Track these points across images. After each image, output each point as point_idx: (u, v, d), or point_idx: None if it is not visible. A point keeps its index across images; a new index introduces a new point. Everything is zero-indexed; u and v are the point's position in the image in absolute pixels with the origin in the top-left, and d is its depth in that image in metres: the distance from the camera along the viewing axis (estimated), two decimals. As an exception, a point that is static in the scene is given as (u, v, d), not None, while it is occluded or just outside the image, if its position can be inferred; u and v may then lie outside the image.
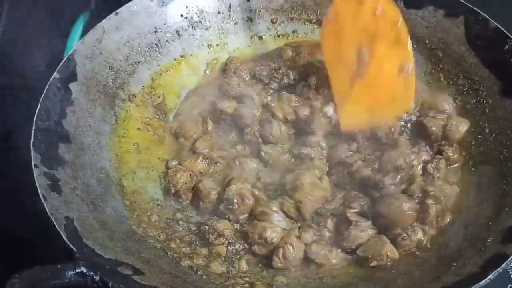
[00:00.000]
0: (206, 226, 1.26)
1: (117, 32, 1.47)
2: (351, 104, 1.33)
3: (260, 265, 1.24)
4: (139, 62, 1.51)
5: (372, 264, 1.19)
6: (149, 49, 1.53)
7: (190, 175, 1.34)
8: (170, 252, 1.23)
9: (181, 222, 1.30)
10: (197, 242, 1.27)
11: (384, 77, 1.31)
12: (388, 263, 1.19)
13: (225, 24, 1.62)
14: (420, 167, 1.28)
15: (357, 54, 1.30)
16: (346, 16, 1.31)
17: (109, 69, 1.45)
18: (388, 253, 1.19)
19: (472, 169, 1.32)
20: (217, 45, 1.62)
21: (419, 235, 1.22)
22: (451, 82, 1.45)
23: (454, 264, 1.12)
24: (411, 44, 1.31)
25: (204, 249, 1.25)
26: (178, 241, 1.26)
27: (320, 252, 1.21)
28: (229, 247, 1.25)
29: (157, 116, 1.51)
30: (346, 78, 1.32)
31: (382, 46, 1.27)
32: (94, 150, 1.34)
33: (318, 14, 1.62)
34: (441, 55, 1.47)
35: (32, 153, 1.18)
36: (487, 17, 1.38)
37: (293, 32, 1.64)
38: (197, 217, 1.32)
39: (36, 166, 1.17)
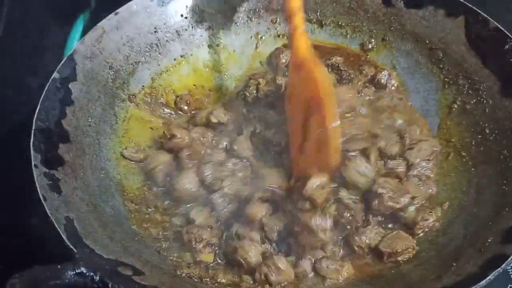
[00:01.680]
0: (192, 235, 1.24)
1: (117, 32, 1.47)
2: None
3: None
4: (139, 62, 1.51)
5: (400, 259, 1.20)
6: (149, 49, 1.53)
7: None
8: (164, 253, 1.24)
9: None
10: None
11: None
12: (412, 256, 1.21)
13: (225, 24, 1.62)
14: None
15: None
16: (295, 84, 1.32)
17: (109, 69, 1.45)
18: (414, 246, 1.21)
19: (472, 169, 1.32)
20: (217, 45, 1.62)
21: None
22: (451, 82, 1.45)
23: (454, 264, 1.12)
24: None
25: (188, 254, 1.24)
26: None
27: (330, 267, 1.20)
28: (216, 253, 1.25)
29: (157, 116, 1.51)
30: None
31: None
32: (94, 150, 1.34)
33: (318, 14, 1.61)
34: (441, 55, 1.47)
35: (32, 153, 1.18)
36: (487, 17, 1.38)
37: (293, 32, 1.64)
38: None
39: (36, 166, 1.17)
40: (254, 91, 1.51)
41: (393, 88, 1.48)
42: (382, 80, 1.47)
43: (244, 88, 1.52)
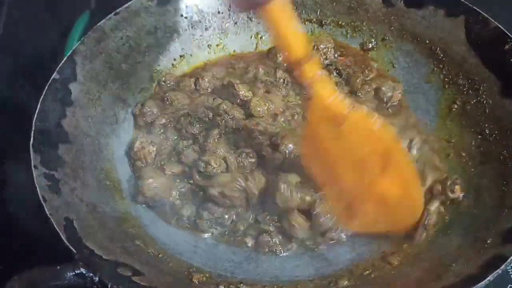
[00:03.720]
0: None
1: (117, 32, 1.47)
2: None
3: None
4: (139, 62, 1.51)
5: None
6: (149, 49, 1.53)
7: None
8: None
9: None
10: None
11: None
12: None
13: (225, 24, 1.61)
14: None
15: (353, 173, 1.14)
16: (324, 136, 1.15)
17: (109, 69, 1.45)
18: None
19: (472, 169, 1.32)
20: (217, 45, 1.62)
21: None
22: (451, 82, 1.44)
23: (454, 264, 1.12)
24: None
25: None
26: None
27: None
28: None
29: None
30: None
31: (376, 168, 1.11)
32: (94, 150, 1.34)
33: (318, 13, 1.61)
34: (441, 55, 1.46)
35: (32, 154, 1.18)
36: (487, 16, 1.38)
37: (293, 31, 1.64)
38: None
39: (35, 167, 1.17)
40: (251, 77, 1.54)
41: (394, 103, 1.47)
42: (387, 93, 1.46)
43: (243, 73, 1.54)
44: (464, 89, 1.41)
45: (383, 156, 1.08)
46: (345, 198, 1.17)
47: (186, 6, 1.56)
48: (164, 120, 1.43)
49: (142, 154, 1.37)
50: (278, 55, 1.58)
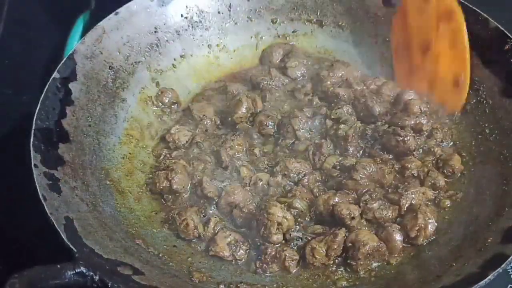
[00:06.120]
0: None
1: (117, 32, 1.47)
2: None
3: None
4: (139, 62, 1.51)
5: None
6: (149, 49, 1.53)
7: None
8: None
9: None
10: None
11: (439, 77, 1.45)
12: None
13: (225, 24, 1.61)
14: None
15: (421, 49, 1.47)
16: (412, 12, 1.47)
17: (109, 69, 1.45)
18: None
19: (472, 169, 1.32)
20: (217, 45, 1.62)
21: None
22: (451, 82, 1.45)
23: (454, 264, 1.12)
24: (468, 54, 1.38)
25: None
26: None
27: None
28: None
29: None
30: (408, 66, 1.51)
31: (441, 47, 1.43)
32: (94, 150, 1.34)
33: (318, 14, 1.62)
34: (441, 55, 1.47)
35: (32, 153, 1.18)
36: (487, 17, 1.38)
37: (293, 32, 1.64)
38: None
39: (36, 166, 1.17)
40: None
41: None
42: None
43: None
44: (464, 89, 1.42)
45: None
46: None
47: (186, 6, 1.57)
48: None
49: (173, 138, 1.41)
50: (273, 53, 1.59)
